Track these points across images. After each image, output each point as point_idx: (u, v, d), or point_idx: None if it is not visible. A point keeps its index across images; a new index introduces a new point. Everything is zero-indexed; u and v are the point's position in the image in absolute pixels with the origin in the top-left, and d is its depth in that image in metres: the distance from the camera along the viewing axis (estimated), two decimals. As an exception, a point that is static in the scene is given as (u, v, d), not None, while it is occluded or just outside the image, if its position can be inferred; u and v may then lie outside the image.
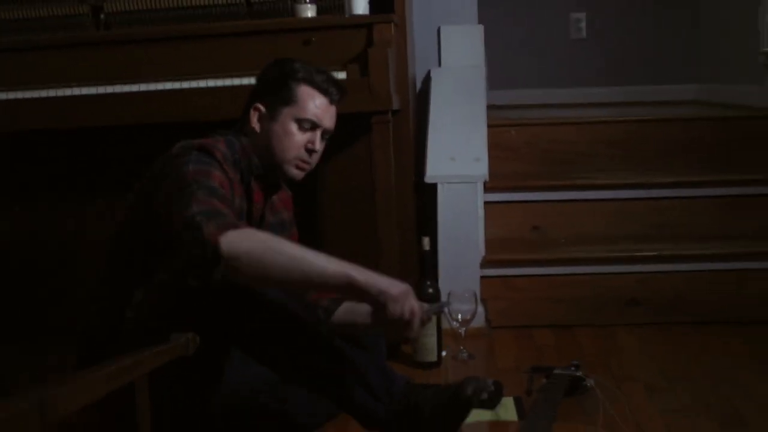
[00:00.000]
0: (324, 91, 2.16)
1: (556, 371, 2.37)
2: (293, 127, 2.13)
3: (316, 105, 2.15)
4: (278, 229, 2.23)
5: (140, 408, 1.54)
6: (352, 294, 1.79)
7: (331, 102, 2.18)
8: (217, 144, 2.04)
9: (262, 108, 2.15)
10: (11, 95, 2.78)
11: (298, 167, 2.16)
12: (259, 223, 2.18)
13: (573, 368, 2.39)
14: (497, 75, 4.86)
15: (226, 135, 2.13)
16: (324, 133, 2.18)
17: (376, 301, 1.75)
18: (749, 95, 3.97)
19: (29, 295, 3.10)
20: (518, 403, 2.29)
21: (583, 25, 5.11)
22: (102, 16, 2.97)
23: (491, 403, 2.19)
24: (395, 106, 2.74)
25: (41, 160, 3.06)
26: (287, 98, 2.13)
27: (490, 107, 3.56)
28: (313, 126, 2.15)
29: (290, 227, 2.35)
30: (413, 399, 1.85)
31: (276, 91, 2.14)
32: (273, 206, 2.26)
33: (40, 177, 3.06)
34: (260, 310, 1.86)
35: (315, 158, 2.19)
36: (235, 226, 1.82)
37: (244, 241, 1.79)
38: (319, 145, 2.17)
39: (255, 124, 2.15)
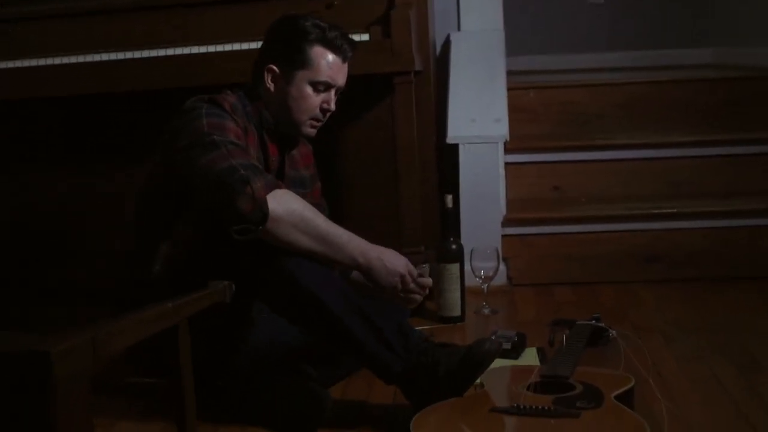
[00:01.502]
0: (337, 50, 2.20)
1: (579, 323, 2.44)
2: (308, 89, 2.19)
3: (330, 66, 2.19)
4: (297, 184, 2.29)
5: (182, 350, 1.61)
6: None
7: (344, 60, 2.23)
8: (226, 97, 2.12)
9: (276, 69, 2.19)
10: (41, 62, 2.86)
11: (312, 126, 2.24)
12: (277, 176, 2.23)
13: (594, 321, 2.46)
14: (516, 41, 4.88)
15: (236, 91, 2.19)
16: (337, 90, 2.24)
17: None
18: (765, 57, 3.99)
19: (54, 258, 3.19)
20: (541, 353, 2.36)
21: (601, -11, 5.13)
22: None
23: (515, 353, 2.27)
24: (417, 67, 2.80)
25: (65, 127, 3.14)
26: (302, 61, 2.17)
27: (509, 72, 3.61)
28: (327, 87, 2.20)
29: (312, 183, 2.40)
30: (429, 356, 1.91)
31: (290, 54, 2.18)
32: (293, 161, 2.32)
33: (70, 142, 3.15)
34: (283, 267, 1.93)
35: (328, 115, 2.26)
36: (278, 186, 1.91)
37: (285, 204, 1.90)
38: (333, 104, 2.23)
39: (269, 84, 2.19)
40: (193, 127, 2.00)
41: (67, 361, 1.22)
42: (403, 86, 2.73)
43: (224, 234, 1.90)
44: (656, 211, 3.14)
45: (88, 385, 1.28)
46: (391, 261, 2.02)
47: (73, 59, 2.84)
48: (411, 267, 2.06)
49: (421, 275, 2.09)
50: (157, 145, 2.13)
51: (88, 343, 1.28)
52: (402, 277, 2.03)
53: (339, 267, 2.14)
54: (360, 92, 2.91)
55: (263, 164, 2.17)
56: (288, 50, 2.18)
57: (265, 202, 1.88)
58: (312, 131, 2.25)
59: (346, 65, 2.24)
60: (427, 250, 2.84)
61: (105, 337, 1.32)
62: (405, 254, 2.66)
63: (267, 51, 2.23)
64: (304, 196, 2.09)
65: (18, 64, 2.86)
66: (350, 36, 2.26)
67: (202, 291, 1.67)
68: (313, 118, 2.22)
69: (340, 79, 2.23)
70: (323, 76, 2.19)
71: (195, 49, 2.80)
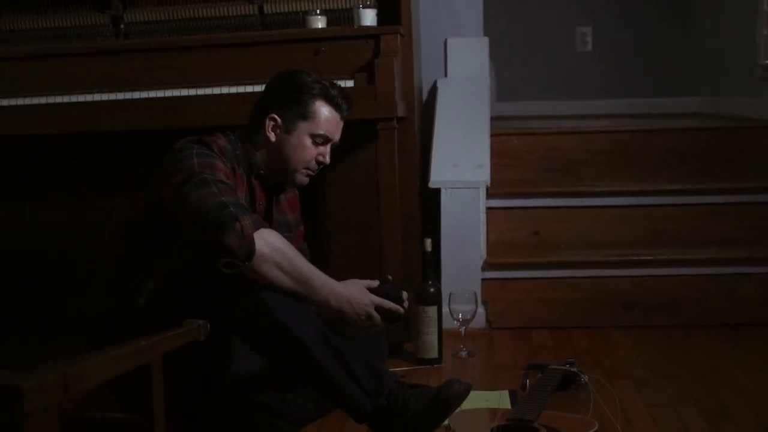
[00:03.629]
0: (337, 107, 2.30)
1: (550, 367, 2.48)
2: (308, 141, 2.28)
3: (329, 121, 2.29)
4: (283, 227, 2.35)
5: (154, 387, 1.66)
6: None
7: (342, 117, 2.33)
8: (216, 139, 2.19)
9: (277, 119, 2.26)
10: (35, 101, 2.94)
11: (306, 175, 2.33)
12: (264, 219, 2.28)
13: (568, 365, 2.50)
14: (504, 87, 4.99)
15: (227, 134, 2.27)
16: (333, 144, 2.33)
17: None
18: (748, 107, 4.08)
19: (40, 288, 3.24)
20: (513, 395, 2.40)
21: (589, 38, 5.23)
22: (122, 26, 3.11)
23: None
24: (400, 113, 2.87)
25: (59, 161, 3.20)
26: (303, 113, 2.26)
27: (497, 118, 3.68)
28: (325, 140, 2.30)
29: (296, 227, 2.47)
30: (400, 397, 1.97)
31: (292, 105, 2.26)
32: (279, 205, 2.39)
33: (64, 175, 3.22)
34: (260, 301, 1.99)
35: (320, 167, 2.35)
36: (264, 225, 2.00)
37: (271, 243, 1.98)
38: (329, 158, 2.32)
39: (269, 133, 2.27)
40: (184, 165, 2.07)
41: (39, 396, 1.27)
42: (386, 132, 2.79)
43: (209, 268, 1.96)
44: (634, 258, 3.19)
45: (56, 419, 1.33)
46: (358, 300, 2.10)
47: (65, 99, 2.91)
48: (375, 299, 2.13)
49: (395, 293, 2.17)
50: (146, 183, 2.20)
51: (60, 378, 1.32)
52: (368, 315, 2.11)
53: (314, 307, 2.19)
54: (345, 136, 2.99)
55: (250, 206, 2.23)
56: (292, 102, 2.26)
57: (252, 239, 1.95)
58: (305, 180, 2.34)
59: (342, 122, 2.34)
60: (407, 293, 2.88)
61: (77, 373, 1.36)
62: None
63: (270, 100, 2.30)
64: (289, 239, 2.15)
65: (12, 102, 2.93)
66: (345, 91, 2.35)
67: (177, 329, 1.72)
68: (307, 168, 2.31)
69: (337, 135, 2.34)
70: (322, 130, 2.28)
71: (185, 92, 2.86)
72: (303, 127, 2.26)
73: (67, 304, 3.13)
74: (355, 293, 2.10)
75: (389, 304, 2.14)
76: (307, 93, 2.26)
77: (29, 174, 3.22)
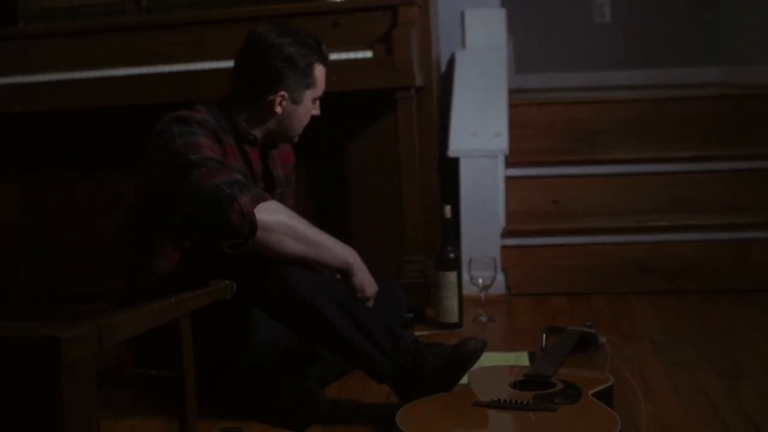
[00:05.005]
0: (327, 62, 2.36)
1: (568, 328, 2.53)
2: (310, 105, 2.34)
3: (324, 79, 2.35)
4: (276, 183, 2.40)
5: (183, 344, 1.71)
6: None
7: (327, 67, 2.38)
8: (194, 114, 2.20)
9: (286, 94, 2.29)
10: (55, 77, 3.01)
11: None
12: (264, 179, 2.36)
13: (586, 327, 2.55)
14: (522, 59, 4.99)
15: (208, 105, 2.28)
16: None
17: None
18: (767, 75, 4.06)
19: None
20: (532, 356, 2.46)
21: (607, 9, 5.22)
22: (144, 2, 3.17)
23: None
24: (418, 82, 2.91)
25: (78, 138, 3.29)
26: (309, 83, 2.31)
27: (515, 91, 3.70)
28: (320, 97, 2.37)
29: (286, 183, 2.48)
30: (417, 356, 2.02)
31: (300, 78, 2.29)
32: (274, 161, 2.43)
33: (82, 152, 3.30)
34: (276, 275, 2.05)
35: None
36: (264, 198, 2.04)
37: (273, 214, 2.03)
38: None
39: (277, 108, 2.29)
40: (170, 149, 2.09)
41: (75, 347, 1.32)
42: (405, 101, 2.84)
43: (216, 248, 2.01)
44: (652, 224, 3.23)
45: (94, 371, 1.39)
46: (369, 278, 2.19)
47: (88, 74, 2.98)
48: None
49: None
50: (136, 169, 2.26)
51: (94, 331, 1.38)
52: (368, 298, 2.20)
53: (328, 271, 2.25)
54: (365, 107, 3.05)
55: (247, 172, 2.28)
56: (299, 75, 2.29)
57: (253, 215, 1.99)
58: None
59: None
60: (427, 259, 2.95)
61: (109, 327, 1.42)
62: (405, 263, 2.79)
63: (273, 78, 2.27)
64: (283, 195, 2.20)
65: (35, 78, 3.00)
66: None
67: (204, 288, 1.78)
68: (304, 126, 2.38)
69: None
70: (321, 90, 2.35)
71: (207, 65, 2.92)
72: (308, 94, 2.32)
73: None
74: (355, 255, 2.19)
75: None
76: (309, 64, 2.29)
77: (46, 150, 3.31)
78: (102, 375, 1.55)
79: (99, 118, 3.18)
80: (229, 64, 2.89)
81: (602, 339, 2.52)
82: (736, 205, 3.36)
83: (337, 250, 2.13)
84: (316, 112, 2.37)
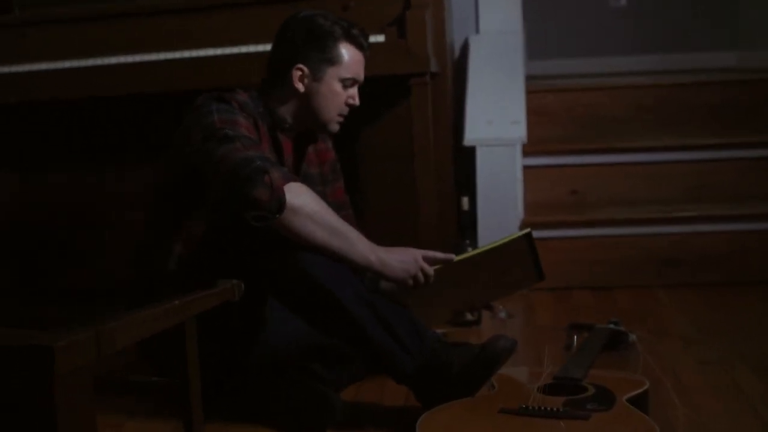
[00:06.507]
0: (360, 46, 2.22)
1: (597, 326, 2.42)
2: (338, 86, 2.20)
3: (355, 62, 2.21)
4: (315, 181, 2.29)
5: (189, 348, 1.61)
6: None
7: (365, 55, 2.25)
8: (235, 95, 2.12)
9: (304, 69, 2.19)
10: (59, 65, 2.90)
11: (338, 122, 2.25)
12: (296, 173, 2.25)
13: (612, 326, 2.43)
14: (537, 45, 4.88)
15: (249, 90, 2.20)
16: (359, 85, 2.26)
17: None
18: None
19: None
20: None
21: (623, -7, 5.11)
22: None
23: None
24: (433, 68, 2.79)
25: (76, 127, 3.17)
26: (330, 59, 2.18)
27: (530, 77, 3.61)
28: (354, 82, 2.22)
29: (329, 181, 2.40)
30: (443, 356, 1.91)
31: (317, 52, 2.17)
32: (309, 159, 2.32)
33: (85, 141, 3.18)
34: (298, 262, 1.93)
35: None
36: (294, 179, 1.93)
37: (302, 196, 1.91)
38: (357, 99, 2.24)
39: (297, 84, 2.19)
40: (205, 123, 2.01)
41: (70, 356, 1.22)
42: (419, 87, 2.73)
43: (239, 228, 1.90)
44: (676, 215, 3.12)
45: (91, 381, 1.28)
46: (402, 252, 2.01)
47: (89, 62, 2.87)
48: (423, 251, 2.04)
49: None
50: (170, 144, 2.14)
51: (91, 338, 1.28)
52: (417, 266, 2.00)
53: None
54: (378, 94, 2.92)
55: (277, 162, 2.17)
56: (316, 49, 2.18)
57: (283, 192, 1.87)
58: (337, 127, 2.27)
59: (365, 60, 2.26)
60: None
61: (109, 333, 1.31)
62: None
63: (291, 51, 2.20)
64: (319, 194, 2.08)
65: (34, 67, 2.90)
66: (362, 27, 2.27)
67: (210, 289, 1.67)
68: (340, 114, 2.23)
69: (362, 74, 2.26)
70: (351, 72, 2.20)
71: (211, 51, 2.82)
72: (331, 72, 2.18)
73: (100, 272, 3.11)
74: (397, 249, 2.02)
75: (439, 254, 2.05)
76: (329, 37, 2.18)
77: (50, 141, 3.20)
78: (105, 380, 1.45)
79: (98, 108, 3.07)
80: (232, 50, 2.82)
81: (632, 336, 2.41)
82: (761, 194, 3.24)
83: (361, 246, 1.98)
84: (353, 100, 2.23)
